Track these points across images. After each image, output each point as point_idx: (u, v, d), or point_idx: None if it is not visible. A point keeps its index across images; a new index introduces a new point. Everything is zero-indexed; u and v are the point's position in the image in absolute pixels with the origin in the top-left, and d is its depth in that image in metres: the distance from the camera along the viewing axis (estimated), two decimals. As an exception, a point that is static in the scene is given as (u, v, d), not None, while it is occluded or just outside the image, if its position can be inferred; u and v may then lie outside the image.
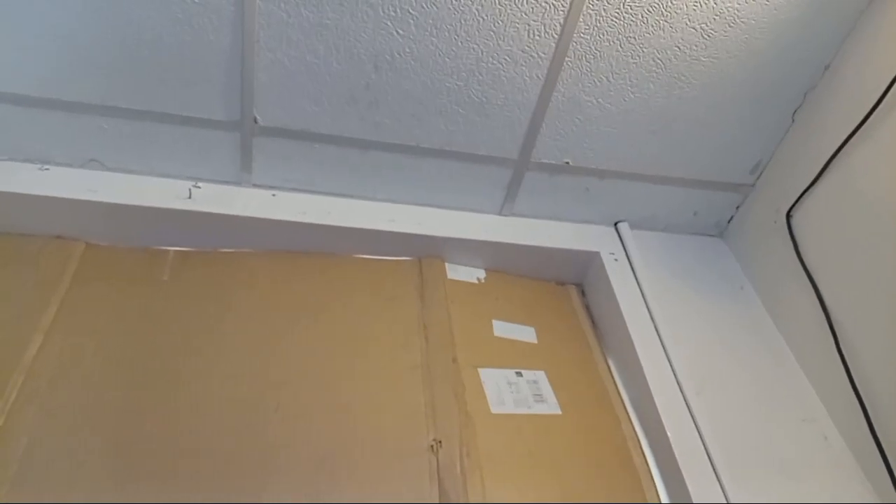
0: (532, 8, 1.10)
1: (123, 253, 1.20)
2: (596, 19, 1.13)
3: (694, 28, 1.16)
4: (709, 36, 1.17)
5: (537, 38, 1.14)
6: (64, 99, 1.14)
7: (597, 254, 1.36)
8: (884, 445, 1.05)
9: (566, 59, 1.17)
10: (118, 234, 1.21)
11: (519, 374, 1.18)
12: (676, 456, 1.04)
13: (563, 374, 1.20)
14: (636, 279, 1.32)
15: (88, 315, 1.09)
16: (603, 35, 1.15)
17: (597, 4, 1.11)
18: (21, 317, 1.05)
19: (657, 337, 1.21)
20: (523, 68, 1.17)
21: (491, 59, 1.16)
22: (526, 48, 1.15)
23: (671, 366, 1.16)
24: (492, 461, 1.03)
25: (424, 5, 1.08)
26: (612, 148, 1.31)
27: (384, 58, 1.14)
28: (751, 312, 1.35)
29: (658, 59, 1.19)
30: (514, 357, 1.21)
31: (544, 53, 1.16)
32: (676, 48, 1.18)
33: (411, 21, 1.10)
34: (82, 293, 1.11)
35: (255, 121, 1.19)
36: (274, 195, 1.28)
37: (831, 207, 1.22)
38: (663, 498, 1.05)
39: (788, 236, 1.30)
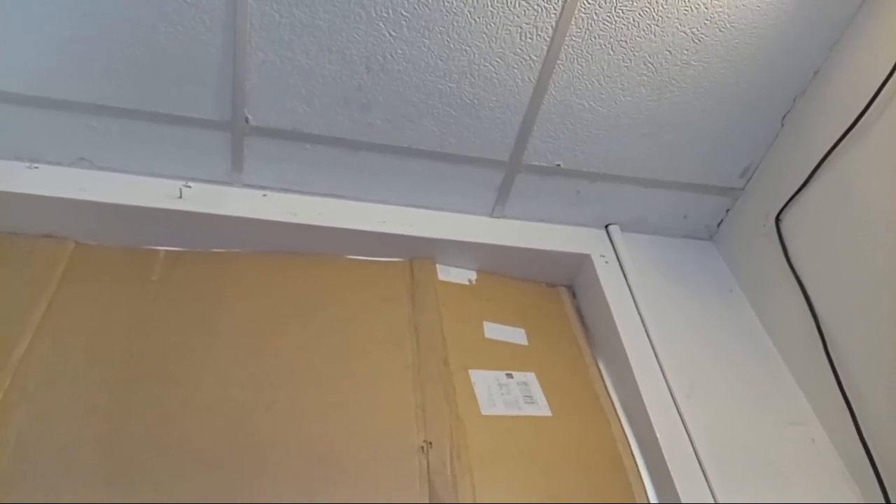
0: (524, 10, 1.11)
1: (113, 252, 1.20)
2: (587, 22, 1.13)
3: (685, 32, 1.17)
4: (699, 40, 1.18)
5: (529, 40, 1.14)
6: (54, 97, 1.13)
7: (587, 256, 1.36)
8: (871, 449, 1.06)
9: (558, 61, 1.17)
10: (108, 234, 1.20)
11: (509, 375, 1.18)
12: (666, 458, 1.04)
13: (554, 376, 1.20)
14: (626, 281, 1.32)
15: (78, 315, 1.08)
16: (594, 38, 1.15)
17: (588, 8, 1.12)
18: (10, 316, 1.05)
19: (647, 339, 1.21)
20: (515, 71, 1.18)
21: (483, 61, 1.16)
22: (518, 51, 1.15)
23: (661, 368, 1.17)
24: (482, 463, 1.03)
25: (417, 7, 1.08)
26: (603, 151, 1.31)
27: (376, 59, 1.14)
28: (740, 315, 1.36)
29: (649, 62, 1.20)
30: (504, 359, 1.21)
31: (536, 56, 1.16)
32: (667, 52, 1.19)
33: (404, 23, 1.10)
34: (72, 292, 1.11)
35: (247, 121, 1.19)
36: (265, 195, 1.28)
37: (820, 211, 1.23)
38: (652, 499, 1.05)
39: (777, 240, 1.30)
